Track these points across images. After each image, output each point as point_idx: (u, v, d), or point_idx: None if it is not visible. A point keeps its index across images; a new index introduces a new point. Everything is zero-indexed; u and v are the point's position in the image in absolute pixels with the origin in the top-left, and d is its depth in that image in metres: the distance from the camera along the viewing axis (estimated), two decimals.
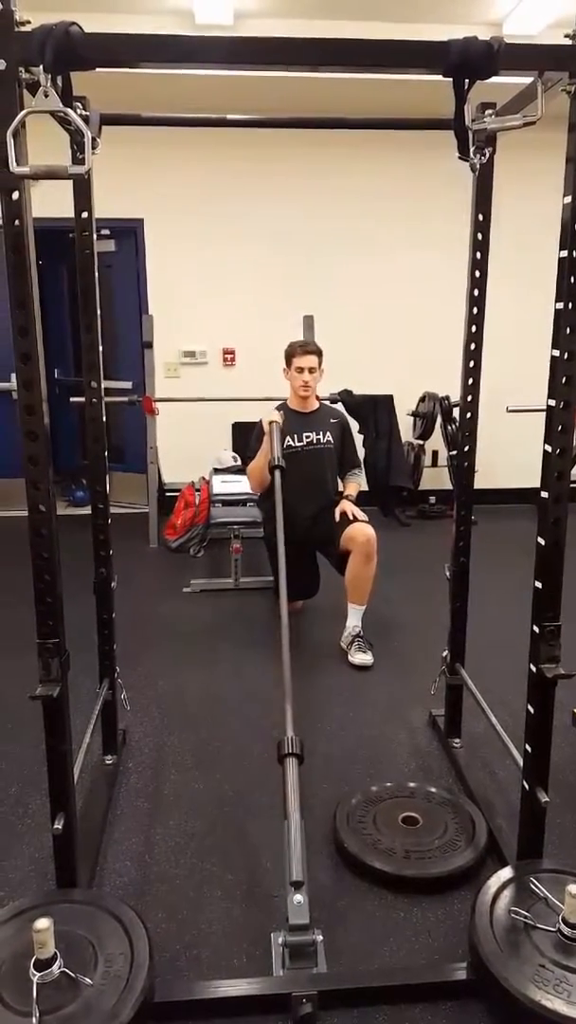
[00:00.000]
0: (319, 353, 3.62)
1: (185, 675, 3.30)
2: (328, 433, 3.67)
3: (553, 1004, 1.51)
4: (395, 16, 4.22)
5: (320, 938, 1.65)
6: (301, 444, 3.62)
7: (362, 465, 3.87)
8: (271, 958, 1.70)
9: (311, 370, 3.58)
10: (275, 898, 1.95)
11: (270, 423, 3.38)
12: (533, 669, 1.83)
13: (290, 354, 3.62)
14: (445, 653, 2.68)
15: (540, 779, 1.89)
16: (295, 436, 3.61)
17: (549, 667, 1.79)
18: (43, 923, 1.52)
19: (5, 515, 5.47)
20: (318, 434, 3.66)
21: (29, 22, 1.47)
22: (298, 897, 1.63)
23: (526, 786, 1.92)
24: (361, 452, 4.25)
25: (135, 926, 1.70)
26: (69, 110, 1.53)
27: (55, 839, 1.86)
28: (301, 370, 3.57)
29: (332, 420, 3.75)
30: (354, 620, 3.49)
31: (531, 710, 1.87)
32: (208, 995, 1.67)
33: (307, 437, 3.64)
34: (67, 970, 1.55)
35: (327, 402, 4.24)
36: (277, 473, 3.02)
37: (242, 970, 1.77)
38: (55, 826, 1.83)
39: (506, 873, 1.87)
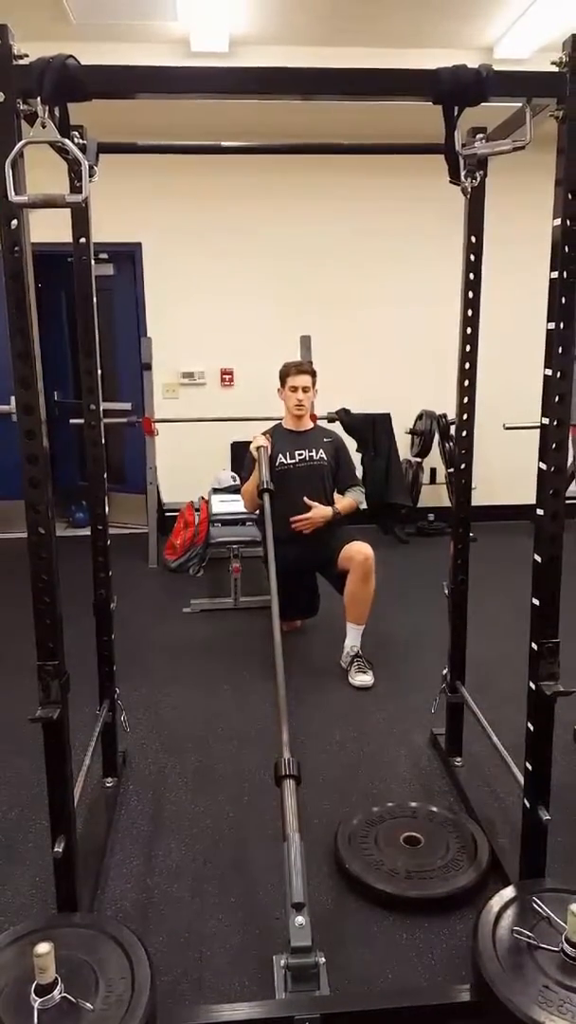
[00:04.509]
0: (313, 373, 3.65)
1: (185, 696, 3.29)
2: (321, 451, 3.68)
3: None
4: (389, 42, 4.28)
5: (322, 960, 1.64)
6: (293, 461, 3.63)
7: (361, 484, 3.86)
8: (273, 981, 1.68)
9: (304, 390, 3.61)
10: (277, 920, 1.95)
11: (257, 448, 3.43)
12: (532, 687, 1.83)
13: (284, 374, 3.66)
14: (445, 671, 2.68)
15: (541, 797, 1.89)
16: (287, 454, 3.63)
17: (548, 684, 1.79)
18: (44, 948, 1.51)
19: (5, 537, 5.48)
20: (311, 451, 3.67)
21: (27, 55, 1.50)
22: (300, 919, 1.62)
23: (527, 804, 1.92)
24: (359, 470, 4.24)
25: (136, 950, 1.69)
26: (67, 140, 1.57)
27: (55, 862, 1.85)
28: (295, 389, 3.61)
29: (326, 439, 3.76)
30: (353, 640, 3.49)
31: (531, 728, 1.87)
32: (210, 1019, 1.66)
33: (299, 454, 3.65)
34: (68, 995, 1.53)
35: (324, 422, 4.26)
36: (266, 497, 3.04)
37: (244, 993, 1.76)
38: (55, 849, 1.82)
39: (508, 893, 1.86)
